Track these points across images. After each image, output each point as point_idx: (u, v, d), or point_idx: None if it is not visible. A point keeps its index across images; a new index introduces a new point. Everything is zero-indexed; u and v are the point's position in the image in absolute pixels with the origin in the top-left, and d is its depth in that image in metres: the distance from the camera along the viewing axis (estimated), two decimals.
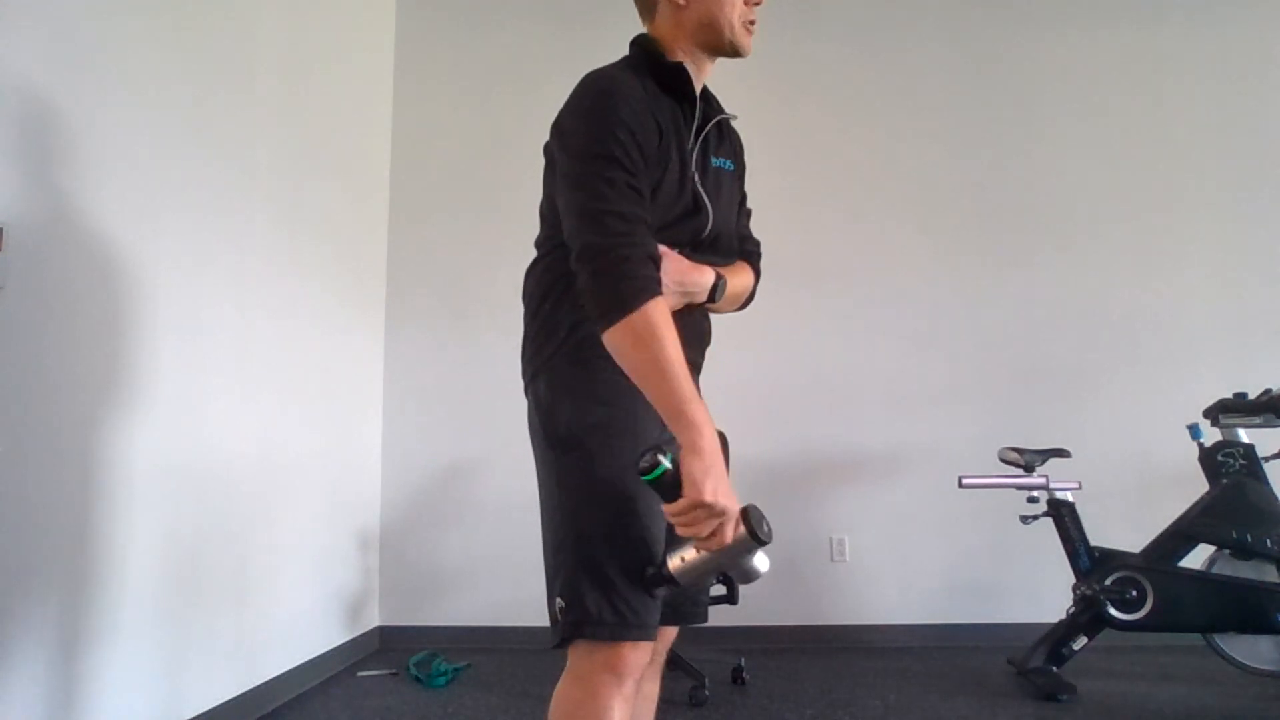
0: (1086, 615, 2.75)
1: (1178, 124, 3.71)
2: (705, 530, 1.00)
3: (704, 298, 1.21)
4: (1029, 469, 2.93)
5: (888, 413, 3.58)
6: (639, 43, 1.26)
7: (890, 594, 3.49)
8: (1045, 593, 3.29)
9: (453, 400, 3.62)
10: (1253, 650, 2.75)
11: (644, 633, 1.08)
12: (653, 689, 1.35)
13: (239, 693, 2.44)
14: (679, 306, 1.16)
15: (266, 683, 2.60)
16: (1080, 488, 2.90)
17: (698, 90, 1.25)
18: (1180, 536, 2.79)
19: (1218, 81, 3.73)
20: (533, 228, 1.25)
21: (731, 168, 1.31)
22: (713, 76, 1.30)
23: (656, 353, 1.02)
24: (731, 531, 1.01)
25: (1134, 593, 2.70)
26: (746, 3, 1.22)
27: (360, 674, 3.03)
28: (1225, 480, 2.77)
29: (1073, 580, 2.84)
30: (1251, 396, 2.80)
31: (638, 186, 1.09)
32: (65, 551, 1.79)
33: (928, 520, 3.50)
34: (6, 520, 1.63)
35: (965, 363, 3.60)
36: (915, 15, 3.82)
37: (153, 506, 2.07)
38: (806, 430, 3.57)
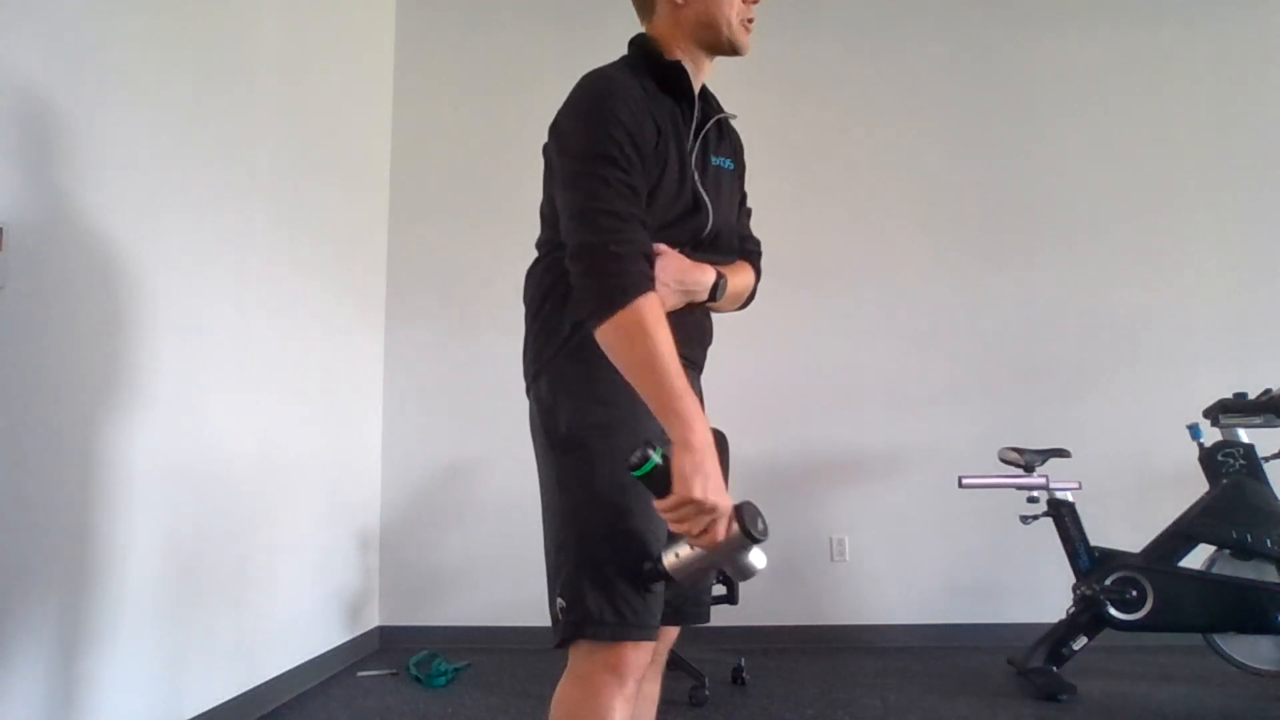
0: (1086, 615, 2.75)
1: (1178, 124, 3.71)
2: (697, 527, 1.00)
3: (705, 297, 1.21)
4: (1029, 469, 2.93)
5: (888, 413, 3.58)
6: (637, 42, 1.25)
7: (890, 594, 3.49)
8: (1045, 593, 3.29)
9: (453, 400, 3.62)
10: (1253, 650, 2.75)
11: (645, 633, 1.07)
12: (654, 689, 1.34)
13: (239, 693, 2.44)
14: (680, 305, 1.16)
15: (266, 683, 2.60)
16: (1080, 488, 2.90)
17: (697, 89, 1.25)
18: (1180, 536, 2.79)
19: (1218, 81, 3.73)
20: (533, 228, 1.25)
21: (731, 167, 1.31)
22: (712, 76, 1.29)
23: (647, 348, 1.01)
24: (725, 529, 1.00)
25: (1134, 593, 2.70)
26: (745, 1, 1.22)
27: (360, 674, 3.03)
28: (1225, 480, 2.77)
29: (1073, 580, 2.84)
30: (1251, 396, 2.81)
31: (634, 185, 1.08)
32: (65, 551, 1.79)
33: (928, 520, 3.50)
34: (6, 520, 1.63)
35: (965, 363, 3.60)
36: (915, 15, 3.82)
37: (153, 506, 2.07)
38: (806, 430, 3.57)
